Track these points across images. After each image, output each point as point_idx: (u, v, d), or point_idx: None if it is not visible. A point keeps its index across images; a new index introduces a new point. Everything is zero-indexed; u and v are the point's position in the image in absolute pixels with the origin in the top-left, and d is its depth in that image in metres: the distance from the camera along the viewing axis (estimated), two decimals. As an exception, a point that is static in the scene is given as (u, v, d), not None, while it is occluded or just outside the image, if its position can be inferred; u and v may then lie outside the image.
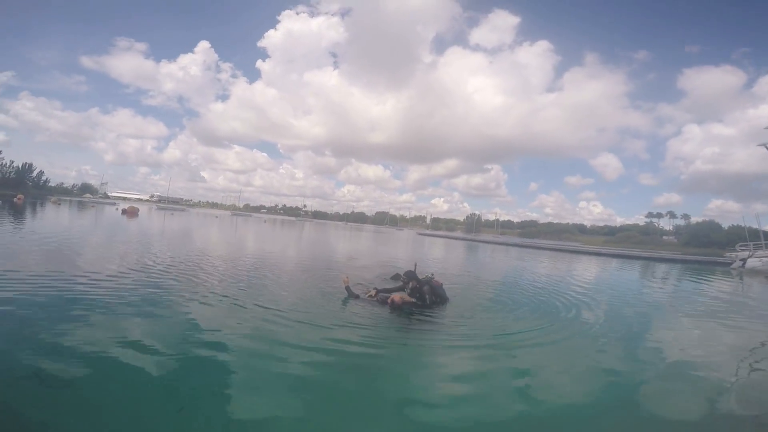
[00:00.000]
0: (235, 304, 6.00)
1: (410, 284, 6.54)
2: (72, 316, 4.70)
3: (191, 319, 5.03)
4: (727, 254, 32.36)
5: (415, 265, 7.16)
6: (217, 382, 3.35)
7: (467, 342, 4.99)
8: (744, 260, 23.70)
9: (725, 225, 71.36)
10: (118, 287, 6.45)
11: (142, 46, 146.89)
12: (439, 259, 20.06)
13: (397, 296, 6.17)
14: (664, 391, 3.93)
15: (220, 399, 3.08)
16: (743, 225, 41.08)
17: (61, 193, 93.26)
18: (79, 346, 3.79)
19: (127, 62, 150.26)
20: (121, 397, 3.02)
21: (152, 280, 7.30)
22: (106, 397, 2.99)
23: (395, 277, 7.90)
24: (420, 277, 6.87)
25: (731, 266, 24.83)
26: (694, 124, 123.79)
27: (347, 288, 6.91)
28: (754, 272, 20.58)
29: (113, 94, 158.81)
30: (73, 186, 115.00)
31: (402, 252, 23.53)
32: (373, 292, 6.80)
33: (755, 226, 35.67)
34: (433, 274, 7.22)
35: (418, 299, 6.28)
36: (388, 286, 7.25)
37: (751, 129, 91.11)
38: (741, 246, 30.79)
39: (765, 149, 21.81)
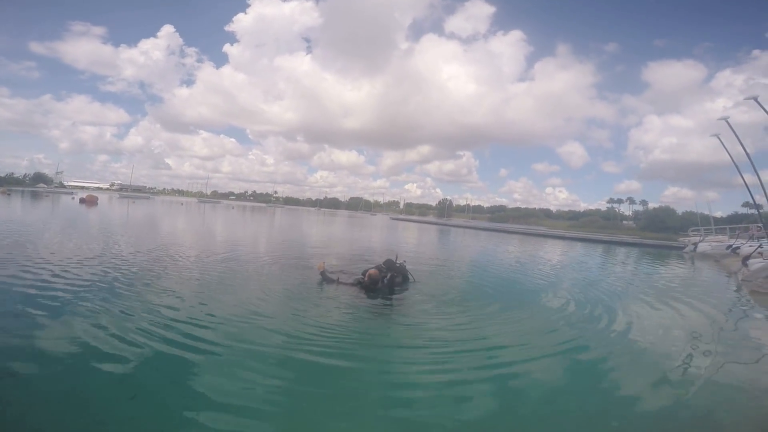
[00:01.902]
0: (197, 294, 5.81)
1: (389, 275, 6.55)
2: (17, 311, 4.43)
3: (150, 310, 4.82)
4: (681, 239, 34.40)
5: (396, 257, 7.20)
6: (177, 371, 3.21)
7: (442, 328, 5.03)
8: (695, 245, 25.19)
9: (680, 211, 75.33)
10: (73, 279, 6.12)
11: (99, 30, 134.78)
12: (412, 243, 20.21)
13: (373, 271, 6.23)
14: (617, 367, 4.11)
15: (177, 387, 2.96)
16: (696, 211, 43.81)
17: (12, 183, 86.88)
18: (28, 340, 3.59)
19: (82, 47, 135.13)
20: (72, 386, 2.86)
21: (111, 271, 6.97)
22: (55, 387, 2.84)
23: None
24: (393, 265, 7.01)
25: (684, 250, 26.35)
26: (655, 115, 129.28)
27: (322, 273, 6.82)
28: (704, 256, 21.93)
29: (67, 80, 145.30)
30: (25, 176, 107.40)
31: (377, 237, 23.52)
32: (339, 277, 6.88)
33: (707, 212, 38.10)
34: (405, 261, 7.36)
35: (392, 287, 6.38)
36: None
37: (707, 121, 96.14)
38: (693, 231, 32.80)
39: (717, 140, 22.96)
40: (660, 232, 58.56)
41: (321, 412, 2.84)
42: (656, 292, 8.94)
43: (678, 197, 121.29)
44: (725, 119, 20.46)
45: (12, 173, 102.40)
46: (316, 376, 3.36)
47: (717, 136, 22.60)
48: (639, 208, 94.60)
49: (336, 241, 18.07)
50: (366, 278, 6.14)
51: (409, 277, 7.15)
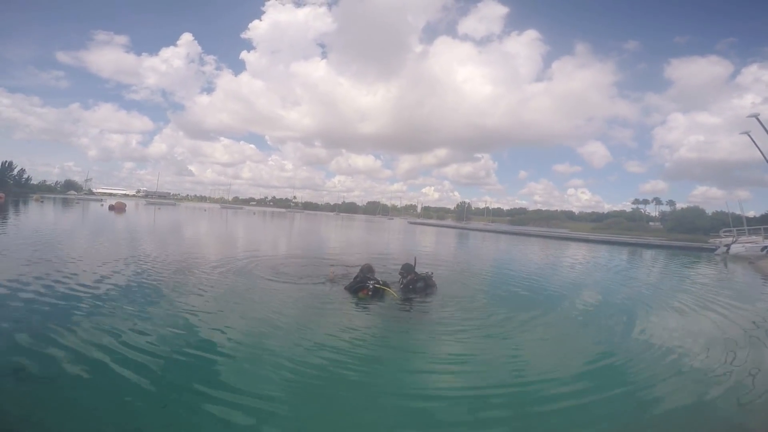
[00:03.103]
0: (218, 299, 5.93)
1: (408, 276, 6.54)
2: (55, 314, 4.58)
3: (177, 316, 4.91)
4: (712, 240, 33.03)
5: (415, 260, 7.14)
6: (205, 379, 3.26)
7: (463, 331, 4.98)
8: (728, 246, 24.16)
9: (709, 211, 72.56)
10: (103, 284, 6.32)
11: (122, 39, 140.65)
12: (430, 247, 20.10)
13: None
14: (652, 376, 3.91)
15: (205, 396, 3.00)
16: (727, 211, 42.08)
17: (45, 190, 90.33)
18: (62, 344, 3.69)
19: (106, 56, 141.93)
20: (106, 394, 2.92)
21: (139, 277, 7.17)
22: (89, 395, 2.90)
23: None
24: (419, 272, 6.87)
25: (716, 252, 25.32)
26: (680, 113, 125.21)
27: (332, 281, 6.97)
28: (738, 258, 21.01)
29: (94, 89, 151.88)
30: (57, 183, 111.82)
31: (394, 242, 23.50)
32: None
33: (738, 212, 36.49)
34: (432, 273, 7.15)
35: (410, 291, 6.33)
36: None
37: (736, 118, 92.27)
38: (725, 232, 31.47)
39: (747, 137, 22.05)
40: (689, 234, 56.38)
41: (341, 415, 2.88)
42: (688, 297, 8.58)
43: (707, 197, 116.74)
44: (755, 116, 19.65)
45: (44, 181, 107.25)
46: (335, 379, 3.39)
47: (747, 133, 21.75)
48: (666, 208, 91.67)
49: (353, 245, 18.11)
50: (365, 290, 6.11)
51: (433, 284, 6.97)
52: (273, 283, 7.21)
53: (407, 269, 6.72)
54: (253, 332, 4.41)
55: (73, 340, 3.82)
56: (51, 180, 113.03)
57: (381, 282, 6.13)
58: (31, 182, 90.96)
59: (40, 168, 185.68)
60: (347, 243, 20.11)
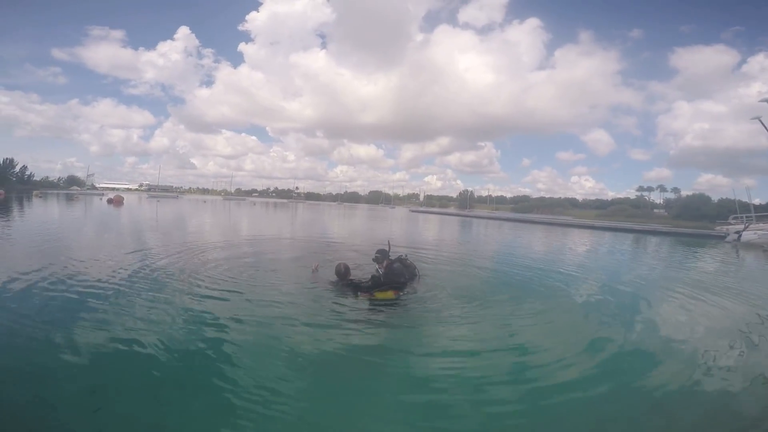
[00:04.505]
0: (216, 289, 5.50)
1: (384, 263, 6.19)
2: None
3: (145, 307, 4.57)
4: (719, 227, 32.33)
5: (389, 243, 6.71)
6: (204, 372, 3.09)
7: (465, 321, 4.69)
8: (739, 233, 23.48)
9: (715, 198, 71.43)
10: (64, 280, 5.90)
11: (118, 34, 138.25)
12: (431, 235, 19.64)
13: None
14: (655, 367, 3.67)
15: (141, 400, 2.71)
16: (733, 198, 41.22)
17: (47, 186, 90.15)
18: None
19: (103, 52, 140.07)
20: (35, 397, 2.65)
21: (108, 274, 6.76)
22: (20, 397, 2.66)
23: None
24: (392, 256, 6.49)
25: (726, 239, 24.66)
26: (684, 102, 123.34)
27: (315, 273, 6.61)
28: (750, 245, 20.39)
29: (92, 84, 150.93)
30: (59, 179, 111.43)
31: (392, 230, 23.03)
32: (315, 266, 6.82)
33: (745, 199, 35.69)
34: (406, 255, 6.85)
35: (390, 275, 5.88)
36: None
37: (742, 106, 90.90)
38: (734, 218, 30.72)
39: (759, 123, 21.34)
40: (695, 221, 55.53)
41: (336, 409, 2.73)
42: (700, 285, 8.08)
43: (712, 184, 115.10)
44: None
45: (47, 177, 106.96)
46: (330, 373, 3.26)
47: (758, 118, 21.01)
48: (671, 195, 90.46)
49: (352, 235, 17.68)
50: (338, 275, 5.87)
51: (416, 272, 6.63)
52: (265, 274, 6.79)
53: (382, 254, 6.33)
54: (250, 329, 4.10)
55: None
56: (54, 176, 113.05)
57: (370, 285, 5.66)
58: (34, 179, 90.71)
59: (43, 165, 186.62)
60: (347, 233, 19.69)
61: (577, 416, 2.78)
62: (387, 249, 6.50)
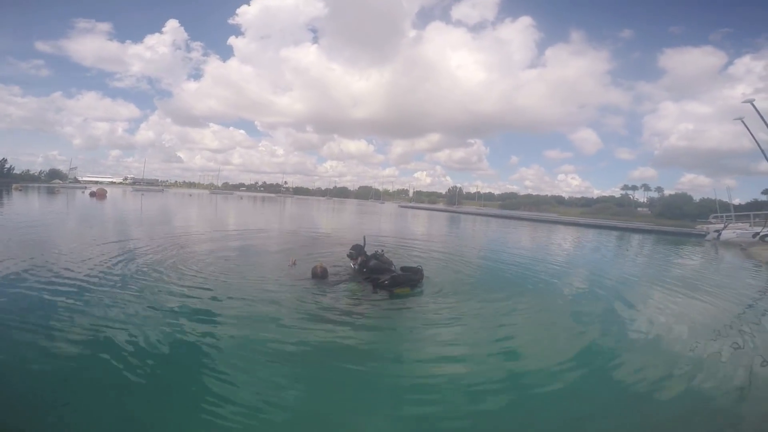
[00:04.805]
0: (199, 287, 5.37)
1: (359, 259, 6.16)
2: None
3: (107, 307, 4.46)
4: (699, 226, 33.09)
5: (364, 239, 6.63)
6: (186, 371, 3.01)
7: (454, 319, 4.68)
8: (719, 232, 24.07)
9: (696, 198, 73.15)
10: (33, 272, 5.71)
11: (104, 26, 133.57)
12: (420, 231, 19.63)
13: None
14: (636, 362, 3.72)
15: (111, 396, 2.62)
16: (714, 198, 42.27)
17: (29, 180, 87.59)
18: None
19: (88, 45, 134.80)
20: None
21: (83, 268, 6.58)
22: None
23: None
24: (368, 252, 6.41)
25: (706, 238, 25.26)
26: (671, 102, 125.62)
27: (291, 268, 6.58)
28: (729, 244, 20.91)
29: (76, 77, 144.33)
30: (41, 172, 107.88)
31: (386, 225, 22.98)
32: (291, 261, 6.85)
33: (725, 199, 36.60)
34: (383, 250, 6.69)
35: (366, 272, 5.86)
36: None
37: (727, 107, 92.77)
38: (714, 218, 31.50)
39: (742, 123, 21.82)
40: (676, 219, 56.83)
41: (328, 408, 2.71)
42: (682, 283, 8.26)
43: (694, 184, 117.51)
44: (751, 102, 19.34)
45: (28, 170, 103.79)
46: (320, 371, 3.21)
47: (741, 119, 21.47)
48: (654, 194, 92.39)
49: (339, 229, 17.58)
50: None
51: (387, 260, 6.41)
52: (245, 269, 6.67)
53: (357, 250, 6.26)
54: (225, 324, 4.02)
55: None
56: (35, 169, 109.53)
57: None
58: (14, 172, 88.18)
59: (24, 158, 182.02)
60: (335, 227, 19.56)
61: (557, 414, 2.81)
62: (362, 245, 6.43)
